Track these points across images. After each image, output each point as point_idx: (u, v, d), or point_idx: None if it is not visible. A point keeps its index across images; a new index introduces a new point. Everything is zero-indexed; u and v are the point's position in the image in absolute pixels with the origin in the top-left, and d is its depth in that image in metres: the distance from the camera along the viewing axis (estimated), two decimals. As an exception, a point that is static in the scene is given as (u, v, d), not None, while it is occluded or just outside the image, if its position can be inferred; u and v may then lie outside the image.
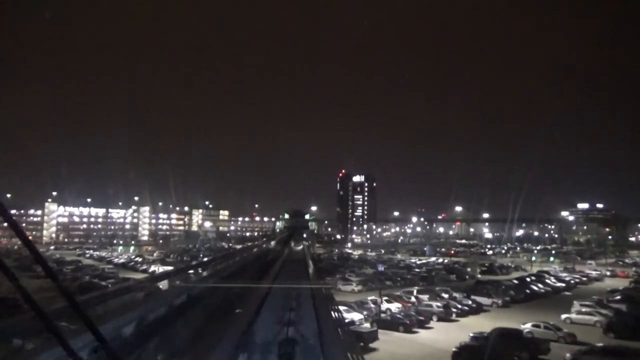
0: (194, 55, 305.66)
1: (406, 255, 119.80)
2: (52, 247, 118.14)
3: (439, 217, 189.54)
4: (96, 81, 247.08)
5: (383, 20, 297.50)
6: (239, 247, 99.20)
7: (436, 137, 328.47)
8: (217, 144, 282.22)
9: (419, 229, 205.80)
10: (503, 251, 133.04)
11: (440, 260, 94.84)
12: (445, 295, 44.43)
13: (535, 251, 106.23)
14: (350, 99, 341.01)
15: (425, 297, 43.06)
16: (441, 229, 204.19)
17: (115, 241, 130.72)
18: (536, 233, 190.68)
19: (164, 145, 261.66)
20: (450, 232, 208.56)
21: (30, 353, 12.37)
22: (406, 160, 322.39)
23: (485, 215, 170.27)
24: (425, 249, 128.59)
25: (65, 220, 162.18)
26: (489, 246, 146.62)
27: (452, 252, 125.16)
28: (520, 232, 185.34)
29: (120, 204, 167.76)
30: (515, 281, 56.67)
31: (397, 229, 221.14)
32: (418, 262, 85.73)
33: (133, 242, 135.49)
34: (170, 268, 62.08)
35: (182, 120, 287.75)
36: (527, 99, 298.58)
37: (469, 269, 72.58)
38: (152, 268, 67.20)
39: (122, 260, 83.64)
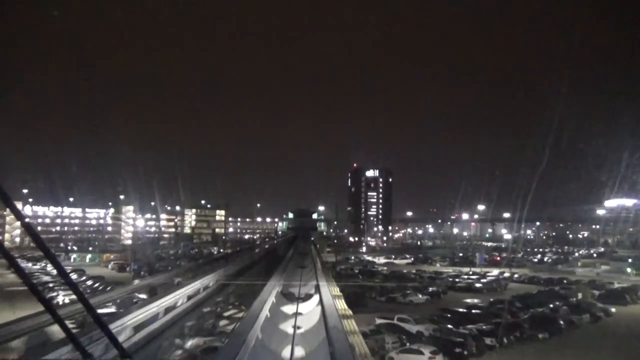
0: (196, 47, 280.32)
1: (445, 264, 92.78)
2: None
3: (452, 217, 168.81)
4: (88, 70, 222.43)
5: (395, 9, 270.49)
6: (229, 251, 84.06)
7: (449, 133, 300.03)
8: (213, 140, 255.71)
9: (431, 230, 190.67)
10: (561, 257, 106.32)
11: (506, 273, 66.94)
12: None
13: (630, 260, 78.47)
14: (359, 90, 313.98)
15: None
16: (455, 230, 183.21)
17: (70, 247, 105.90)
18: (553, 233, 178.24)
19: (159, 140, 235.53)
20: (465, 234, 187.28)
21: (41, 350, 11.54)
22: (415, 158, 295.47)
23: (508, 215, 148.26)
24: (459, 254, 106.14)
25: (34, 222, 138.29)
26: (539, 250, 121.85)
27: (497, 258, 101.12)
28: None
29: (110, 204, 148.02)
30: None
31: (410, 230, 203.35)
32: (483, 280, 56.83)
33: (90, 248, 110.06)
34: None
35: (180, 115, 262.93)
36: (547, 94, 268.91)
37: (579, 295, 44.73)
38: (61, 297, 40.54)
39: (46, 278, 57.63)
